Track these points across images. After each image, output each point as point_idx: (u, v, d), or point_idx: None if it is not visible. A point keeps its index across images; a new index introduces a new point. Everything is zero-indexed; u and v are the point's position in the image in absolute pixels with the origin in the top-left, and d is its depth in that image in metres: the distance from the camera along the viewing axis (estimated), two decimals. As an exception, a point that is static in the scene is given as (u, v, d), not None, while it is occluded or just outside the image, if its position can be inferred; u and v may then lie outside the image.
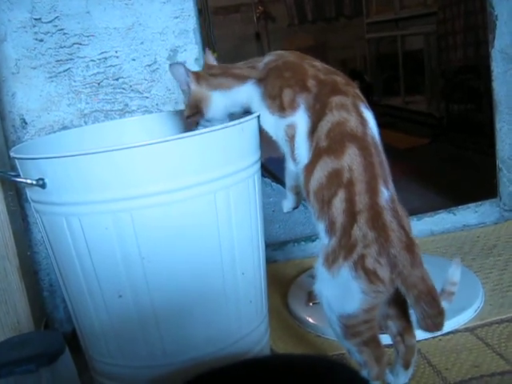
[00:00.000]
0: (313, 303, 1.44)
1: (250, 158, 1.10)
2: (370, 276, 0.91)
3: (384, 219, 0.92)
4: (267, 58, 1.07)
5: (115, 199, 0.97)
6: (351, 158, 0.93)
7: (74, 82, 1.46)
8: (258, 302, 1.18)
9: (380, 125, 0.99)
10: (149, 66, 1.49)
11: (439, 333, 1.15)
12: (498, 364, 1.15)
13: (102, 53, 1.46)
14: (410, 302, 0.94)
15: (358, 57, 5.26)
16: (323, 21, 5.49)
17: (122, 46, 1.47)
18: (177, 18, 1.48)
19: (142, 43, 1.48)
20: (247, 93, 1.06)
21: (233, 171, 1.05)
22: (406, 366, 1.05)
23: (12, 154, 1.06)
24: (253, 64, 1.08)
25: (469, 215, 1.90)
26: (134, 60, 1.48)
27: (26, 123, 1.45)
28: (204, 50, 1.58)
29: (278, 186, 1.81)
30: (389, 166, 0.97)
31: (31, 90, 1.44)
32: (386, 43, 4.66)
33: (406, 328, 1.04)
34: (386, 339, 1.04)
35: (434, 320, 0.93)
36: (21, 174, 1.05)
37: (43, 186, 0.99)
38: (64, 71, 1.45)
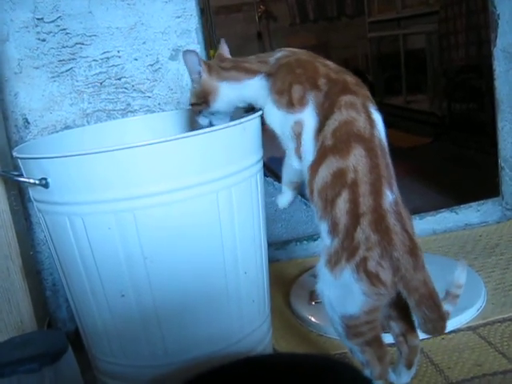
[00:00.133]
0: (315, 302, 1.44)
1: (252, 157, 1.10)
2: (372, 279, 0.91)
3: (387, 222, 0.91)
4: (279, 54, 1.06)
5: (118, 199, 0.97)
6: (357, 158, 0.92)
7: (77, 81, 1.46)
8: (261, 302, 1.18)
9: (382, 124, 0.99)
10: (151, 65, 1.49)
11: (442, 332, 1.15)
12: (501, 363, 1.15)
13: (105, 52, 1.46)
14: (411, 305, 0.93)
15: (359, 56, 5.26)
16: (325, 20, 5.49)
17: (124, 46, 1.47)
18: (179, 17, 1.49)
19: (144, 43, 1.48)
20: (256, 87, 1.05)
21: (235, 171, 1.05)
22: (409, 366, 1.05)
23: (15, 154, 1.06)
24: (264, 58, 1.07)
25: (471, 214, 1.90)
26: (136, 60, 1.48)
27: (29, 123, 1.45)
28: (206, 50, 1.58)
29: (281, 185, 1.81)
30: (393, 167, 0.97)
31: (34, 90, 1.44)
32: (388, 42, 4.66)
33: (409, 328, 1.03)
34: (388, 338, 1.04)
35: (435, 324, 0.93)
36: (24, 173, 1.05)
37: (46, 185, 1.00)
38: (66, 71, 1.45)
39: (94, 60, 1.46)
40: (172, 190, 0.98)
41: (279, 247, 1.82)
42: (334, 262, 0.94)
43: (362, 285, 0.91)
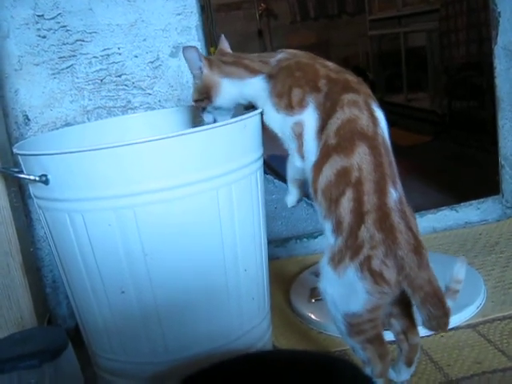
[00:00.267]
0: (315, 300, 1.44)
1: (252, 154, 1.10)
2: (376, 277, 0.91)
3: (392, 220, 0.91)
4: (280, 55, 1.06)
5: (118, 196, 0.97)
6: (361, 156, 0.92)
7: (77, 78, 1.46)
8: (261, 299, 1.18)
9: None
10: (151, 62, 1.49)
11: (442, 329, 1.15)
12: (500, 361, 1.15)
13: (105, 49, 1.46)
14: (415, 303, 0.93)
15: (360, 54, 5.26)
16: (326, 18, 5.49)
17: (124, 43, 1.47)
18: (179, 14, 1.48)
19: (144, 40, 1.48)
20: (257, 87, 1.05)
21: (235, 168, 1.05)
22: (409, 364, 1.05)
23: (15, 151, 1.06)
24: (265, 59, 1.07)
25: (471, 212, 1.90)
26: (136, 57, 1.48)
27: (29, 120, 1.45)
28: (207, 48, 1.58)
29: (281, 183, 1.81)
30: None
31: (34, 87, 1.44)
32: (389, 40, 4.65)
33: (410, 326, 1.03)
34: (388, 335, 1.04)
35: (440, 321, 0.93)
36: (24, 170, 1.05)
37: (46, 182, 1.00)
38: (67, 68, 1.45)
39: (95, 57, 1.46)
40: (172, 187, 0.98)
41: (279, 245, 1.82)
42: (337, 261, 0.94)
43: (366, 283, 0.91)
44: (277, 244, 1.82)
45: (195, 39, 1.50)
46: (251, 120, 1.06)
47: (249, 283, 1.13)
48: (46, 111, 1.45)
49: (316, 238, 1.81)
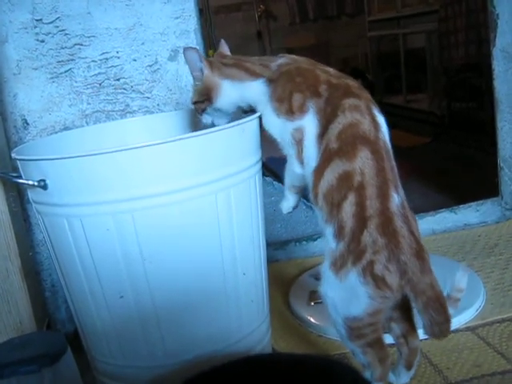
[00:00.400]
0: (314, 303, 1.44)
1: (250, 158, 1.10)
2: (378, 282, 0.91)
3: (395, 225, 0.91)
4: (281, 60, 1.06)
5: (116, 200, 0.97)
6: (363, 161, 0.92)
7: (76, 82, 1.46)
8: (260, 302, 1.18)
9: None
10: (150, 66, 1.49)
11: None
12: (499, 363, 1.15)
13: (103, 53, 1.46)
14: (417, 308, 0.93)
15: (359, 55, 5.26)
16: (325, 19, 5.48)
17: (123, 47, 1.47)
18: (177, 18, 1.49)
19: (143, 44, 1.48)
20: (257, 90, 1.05)
21: (234, 172, 1.05)
22: (409, 367, 1.05)
23: (13, 155, 1.06)
24: (266, 62, 1.06)
25: (470, 214, 1.90)
26: (135, 60, 1.48)
27: (28, 124, 1.45)
28: (205, 51, 1.58)
29: (280, 185, 1.81)
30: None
31: (33, 91, 1.44)
32: (388, 41, 4.65)
33: (410, 330, 1.03)
34: (388, 339, 1.04)
35: (441, 326, 0.93)
36: (22, 175, 1.05)
37: (44, 187, 1.00)
38: (65, 72, 1.45)
39: (93, 61, 1.46)
40: (170, 192, 0.98)
41: (278, 247, 1.82)
42: (339, 265, 0.94)
43: (368, 288, 0.91)
44: (276, 246, 1.82)
45: (194, 43, 1.50)
46: (249, 124, 1.06)
47: (248, 286, 1.13)
48: (44, 115, 1.46)
49: (315, 240, 1.81)
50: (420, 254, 0.91)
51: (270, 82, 1.04)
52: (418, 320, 0.97)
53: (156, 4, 1.47)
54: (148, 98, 1.50)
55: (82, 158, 0.96)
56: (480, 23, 2.90)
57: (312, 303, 1.45)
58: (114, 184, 0.97)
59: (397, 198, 0.93)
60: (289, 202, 1.10)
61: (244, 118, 1.06)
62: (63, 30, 1.43)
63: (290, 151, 1.02)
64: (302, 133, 0.99)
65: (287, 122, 1.00)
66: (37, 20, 1.42)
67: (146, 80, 1.50)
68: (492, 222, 1.89)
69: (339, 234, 0.94)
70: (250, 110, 1.10)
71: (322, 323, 1.35)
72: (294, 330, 1.40)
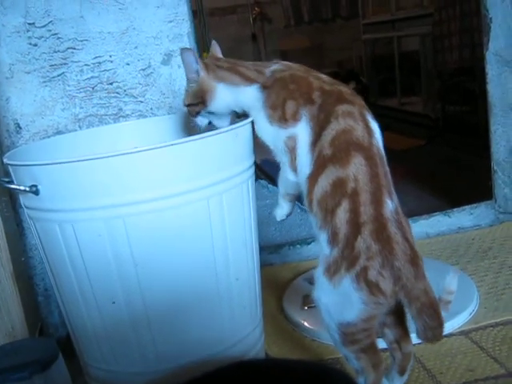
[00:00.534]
0: (308, 307, 1.44)
1: (244, 163, 1.09)
2: (372, 288, 0.91)
3: (389, 231, 0.91)
4: (275, 66, 1.06)
5: (108, 206, 0.96)
6: (357, 167, 0.92)
7: (68, 86, 1.46)
8: (253, 306, 1.18)
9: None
10: (143, 70, 1.49)
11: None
12: (493, 368, 1.15)
13: (96, 57, 1.46)
14: (411, 313, 0.93)
15: (354, 58, 5.26)
16: (319, 22, 5.49)
17: (116, 51, 1.47)
18: (171, 22, 1.48)
19: (136, 47, 1.48)
20: (250, 95, 1.05)
21: (226, 177, 1.05)
22: (402, 372, 1.05)
23: (5, 161, 1.06)
24: (260, 68, 1.06)
25: (464, 217, 1.90)
26: (128, 64, 1.48)
27: (21, 128, 1.45)
28: (199, 53, 1.58)
29: (275, 188, 1.80)
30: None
31: (25, 95, 1.44)
32: (382, 44, 4.66)
33: (403, 335, 1.03)
34: (381, 343, 1.03)
35: (435, 331, 0.93)
36: (14, 180, 1.05)
37: (36, 192, 0.99)
38: (58, 76, 1.45)
39: (86, 65, 1.46)
40: (163, 197, 0.98)
41: (273, 251, 1.82)
42: (333, 271, 0.94)
43: (362, 294, 0.91)
44: (270, 250, 1.81)
45: (187, 46, 1.50)
46: (243, 129, 1.06)
47: (241, 290, 1.13)
48: (37, 119, 1.45)
49: (309, 244, 1.80)
50: (414, 259, 0.91)
51: (264, 88, 1.03)
52: (411, 325, 0.97)
53: (149, 8, 1.47)
54: (141, 102, 1.50)
55: (74, 163, 0.95)
56: (474, 27, 2.91)
57: (306, 307, 1.45)
58: (105, 189, 0.96)
59: (391, 204, 0.92)
60: (283, 209, 1.10)
61: (237, 122, 1.06)
62: (56, 34, 1.43)
63: (283, 159, 1.02)
64: (295, 140, 0.98)
65: (280, 130, 1.00)
66: (29, 24, 1.41)
67: (139, 84, 1.49)
68: (486, 225, 1.89)
69: (333, 240, 0.93)
70: (243, 115, 1.10)
71: (316, 327, 1.35)
72: (287, 335, 1.40)
